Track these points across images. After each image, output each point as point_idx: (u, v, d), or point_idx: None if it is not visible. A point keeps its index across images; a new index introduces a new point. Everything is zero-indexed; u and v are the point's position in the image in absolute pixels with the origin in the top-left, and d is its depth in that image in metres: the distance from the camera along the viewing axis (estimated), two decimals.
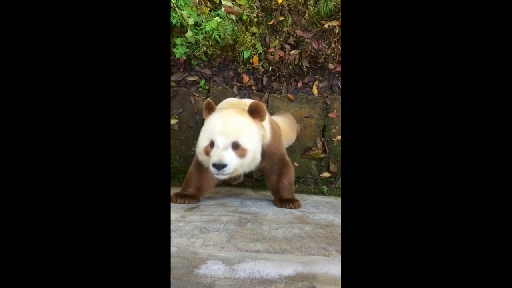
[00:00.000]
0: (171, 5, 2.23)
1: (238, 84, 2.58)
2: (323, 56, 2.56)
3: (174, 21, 2.28)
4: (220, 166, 1.54)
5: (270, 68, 2.58)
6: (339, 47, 2.53)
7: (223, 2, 2.34)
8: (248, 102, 1.81)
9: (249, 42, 2.48)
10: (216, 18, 2.28)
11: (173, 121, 2.50)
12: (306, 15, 2.52)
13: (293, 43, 2.55)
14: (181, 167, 2.44)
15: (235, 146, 1.59)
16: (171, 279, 0.81)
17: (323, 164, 2.56)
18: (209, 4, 2.41)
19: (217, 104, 1.92)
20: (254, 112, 1.69)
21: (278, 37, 2.56)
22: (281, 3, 2.46)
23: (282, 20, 2.53)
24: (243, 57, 2.52)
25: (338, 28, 2.50)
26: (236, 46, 2.51)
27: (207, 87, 2.57)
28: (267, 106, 2.53)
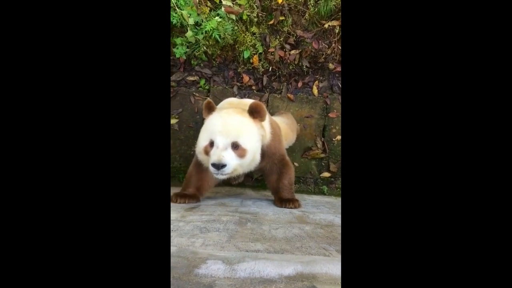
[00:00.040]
0: (171, 5, 2.23)
1: (238, 84, 2.58)
2: (323, 56, 2.56)
3: (174, 21, 2.28)
4: (219, 166, 1.54)
5: (270, 68, 2.58)
6: (339, 47, 2.53)
7: (223, 2, 2.34)
8: (248, 102, 1.81)
9: (249, 42, 2.48)
10: (216, 18, 2.28)
11: (173, 121, 2.50)
12: (306, 15, 2.52)
13: (293, 43, 2.55)
14: (181, 167, 2.44)
15: (235, 146, 1.59)
16: (171, 279, 0.81)
17: (323, 164, 2.56)
18: (209, 3, 2.41)
19: (217, 104, 1.92)
20: (254, 112, 1.69)
21: (278, 37, 2.56)
22: (281, 3, 2.46)
23: (282, 20, 2.53)
24: (243, 57, 2.51)
25: (338, 28, 2.50)
26: (236, 46, 2.51)
27: (207, 87, 2.57)
28: (267, 106, 2.53)
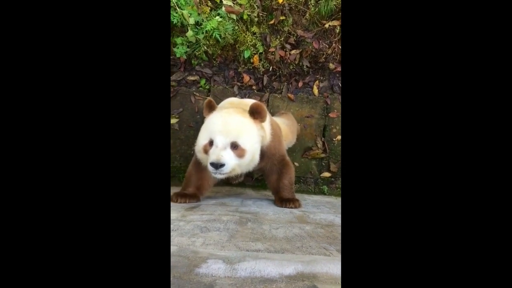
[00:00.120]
0: (172, 5, 2.23)
1: (239, 83, 2.58)
2: (324, 56, 2.56)
3: (175, 21, 2.28)
4: (218, 166, 1.54)
5: (271, 67, 2.58)
6: (340, 47, 2.53)
7: (224, 2, 2.34)
8: (249, 102, 1.80)
9: (250, 41, 2.48)
10: (217, 17, 2.28)
11: (173, 121, 2.50)
12: (307, 14, 2.52)
13: (293, 42, 2.55)
14: (181, 167, 2.44)
15: (234, 146, 1.59)
16: (172, 278, 0.81)
17: (323, 164, 2.56)
18: (209, 3, 2.41)
19: (217, 103, 1.92)
20: (254, 113, 1.69)
21: (278, 36, 2.56)
22: (281, 2, 2.46)
23: (282, 20, 2.53)
24: (243, 57, 2.52)
25: (338, 28, 2.50)
26: (236, 46, 2.51)
27: (207, 87, 2.57)
28: (267, 105, 2.53)
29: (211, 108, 1.74)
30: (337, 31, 2.51)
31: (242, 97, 2.47)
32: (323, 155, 2.55)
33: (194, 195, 1.82)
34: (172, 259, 0.92)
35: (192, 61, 2.55)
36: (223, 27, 2.32)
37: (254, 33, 2.50)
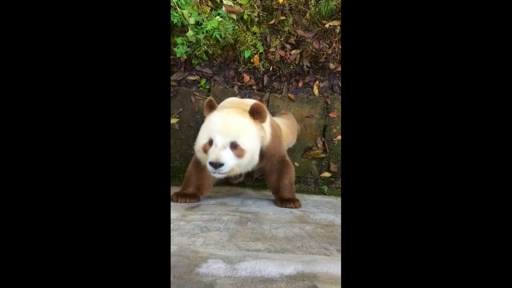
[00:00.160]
0: (172, 4, 2.24)
1: (239, 83, 2.58)
2: (324, 56, 2.56)
3: (175, 20, 2.28)
4: (217, 165, 1.54)
5: (271, 67, 2.58)
6: (340, 47, 2.53)
7: (224, 2, 2.34)
8: (250, 102, 1.80)
9: (250, 41, 2.48)
10: (217, 17, 2.28)
11: (173, 120, 2.50)
12: (307, 14, 2.52)
13: (294, 42, 2.55)
14: (182, 166, 2.44)
15: (234, 146, 1.59)
16: (172, 278, 0.81)
17: (323, 164, 2.56)
18: (210, 3, 2.41)
19: (218, 103, 1.92)
20: (255, 113, 1.69)
21: (279, 36, 2.56)
22: (282, 2, 2.46)
23: (283, 20, 2.53)
24: (244, 57, 2.52)
25: (339, 28, 2.50)
26: (237, 46, 2.51)
27: (207, 87, 2.57)
28: (267, 105, 2.53)
29: (212, 107, 1.74)
30: (338, 31, 2.51)
31: (242, 97, 2.47)
32: (323, 155, 2.55)
33: (194, 194, 1.82)
34: (173, 259, 0.92)
35: (193, 61, 2.55)
36: (224, 27, 2.32)
37: (254, 33, 2.50)
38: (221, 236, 1.20)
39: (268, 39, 2.54)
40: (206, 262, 0.92)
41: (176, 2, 2.25)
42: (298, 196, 2.01)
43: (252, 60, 2.55)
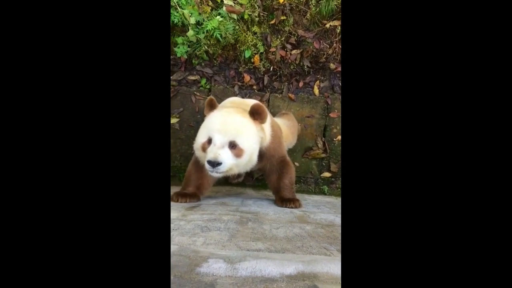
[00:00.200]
0: (173, 4, 2.24)
1: (239, 83, 2.58)
2: (325, 56, 2.56)
3: (176, 20, 2.28)
4: (215, 164, 1.54)
5: (271, 67, 2.58)
6: (340, 47, 2.53)
7: (225, 1, 2.34)
8: (250, 102, 1.80)
9: (251, 41, 2.48)
10: (218, 17, 2.28)
11: (174, 120, 2.50)
12: (308, 14, 2.52)
13: (294, 42, 2.55)
14: (182, 166, 2.44)
15: (232, 145, 1.59)
16: (173, 278, 0.81)
17: (323, 164, 2.56)
18: (210, 3, 2.41)
19: (218, 103, 1.92)
20: (255, 114, 1.69)
21: (279, 36, 2.56)
22: (282, 2, 2.46)
23: (283, 20, 2.53)
24: (244, 57, 2.52)
25: (339, 28, 2.50)
26: (237, 45, 2.51)
27: (208, 86, 2.57)
28: (268, 105, 2.54)
29: (212, 106, 1.74)
30: (338, 31, 2.51)
31: (242, 97, 2.47)
32: (323, 155, 2.55)
33: (194, 194, 1.82)
34: (173, 259, 0.92)
35: (193, 61, 2.55)
36: (224, 26, 2.32)
37: (255, 33, 2.50)
38: (222, 236, 1.20)
39: (268, 39, 2.54)
40: (206, 262, 0.92)
41: (177, 2, 2.25)
42: (298, 196, 2.01)
43: (252, 60, 2.55)
